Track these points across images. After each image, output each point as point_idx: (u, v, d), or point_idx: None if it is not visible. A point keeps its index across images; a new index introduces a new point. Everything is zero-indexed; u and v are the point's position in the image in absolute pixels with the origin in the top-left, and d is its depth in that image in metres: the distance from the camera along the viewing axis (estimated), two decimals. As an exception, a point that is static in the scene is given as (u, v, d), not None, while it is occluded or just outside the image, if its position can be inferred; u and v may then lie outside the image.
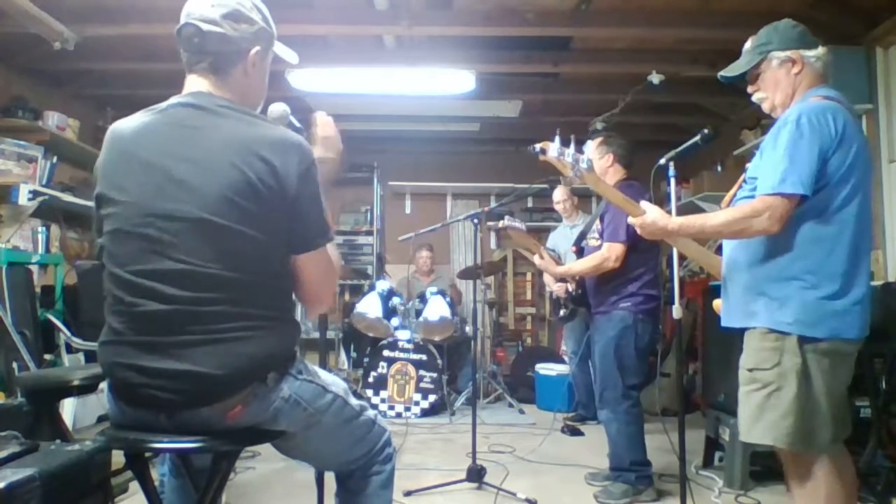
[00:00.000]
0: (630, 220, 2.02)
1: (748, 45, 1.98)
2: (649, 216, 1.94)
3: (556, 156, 1.93)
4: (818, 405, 1.76)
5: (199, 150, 1.33)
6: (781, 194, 1.73)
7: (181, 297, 1.29)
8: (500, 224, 3.12)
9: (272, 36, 1.53)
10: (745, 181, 1.95)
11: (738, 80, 2.01)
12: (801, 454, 1.80)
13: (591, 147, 3.09)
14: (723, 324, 2.00)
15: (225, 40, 1.41)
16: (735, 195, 2.00)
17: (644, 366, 3.05)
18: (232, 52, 1.43)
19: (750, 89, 1.99)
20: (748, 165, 1.96)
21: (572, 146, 1.94)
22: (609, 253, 2.94)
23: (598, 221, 3.15)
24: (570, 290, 3.35)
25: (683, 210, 5.05)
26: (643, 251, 2.93)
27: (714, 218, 1.86)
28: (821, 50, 1.90)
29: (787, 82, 1.90)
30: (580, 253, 3.29)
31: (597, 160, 3.06)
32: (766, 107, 1.97)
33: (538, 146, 1.97)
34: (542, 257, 3.19)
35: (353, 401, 1.56)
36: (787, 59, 1.89)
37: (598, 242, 3.07)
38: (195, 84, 1.44)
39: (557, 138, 1.94)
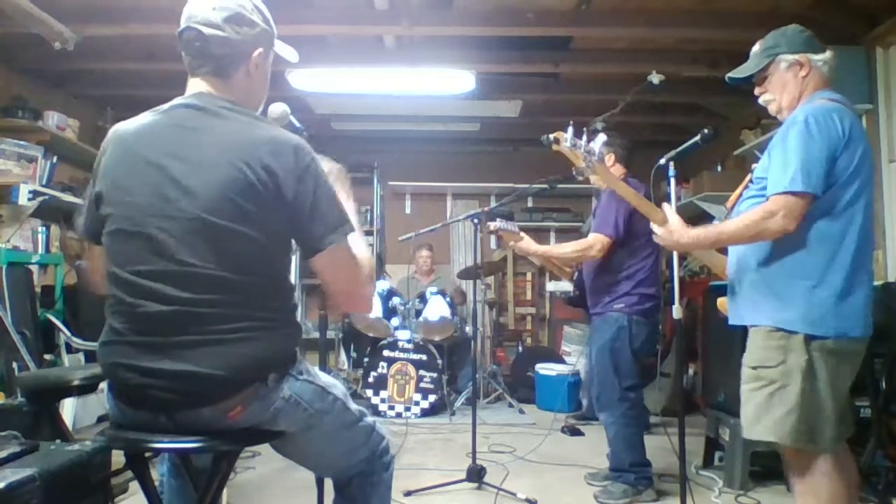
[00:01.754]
0: (653, 227, 2.01)
1: (756, 47, 2.00)
2: (672, 225, 1.94)
3: (569, 146, 1.93)
4: (823, 403, 1.76)
5: (199, 151, 1.33)
6: (793, 192, 1.74)
7: (181, 298, 1.29)
8: (492, 227, 3.08)
9: (273, 36, 1.53)
10: (751, 181, 1.95)
11: (746, 82, 2.03)
12: (804, 452, 1.80)
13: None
14: (730, 322, 2.01)
15: (227, 44, 1.41)
16: (741, 195, 2.01)
17: (641, 366, 3.04)
18: (234, 56, 1.43)
19: (757, 91, 2.01)
20: (754, 166, 1.97)
21: (585, 138, 1.95)
22: (594, 241, 2.93)
23: (592, 217, 3.15)
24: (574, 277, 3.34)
25: (683, 210, 5.06)
26: (637, 248, 2.92)
27: (729, 226, 1.87)
28: (827, 54, 1.93)
29: (794, 85, 1.92)
30: None
31: None
32: (772, 109, 1.99)
33: (551, 136, 1.97)
34: (521, 239, 3.12)
35: (353, 406, 1.55)
36: (795, 63, 1.92)
37: None
38: (197, 86, 1.44)
39: (570, 129, 1.94)
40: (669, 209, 1.99)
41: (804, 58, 1.91)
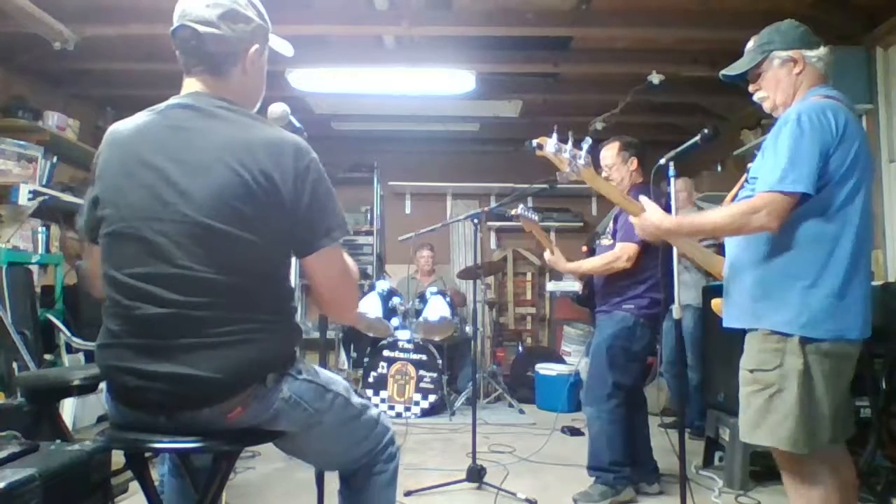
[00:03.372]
0: (630, 218, 2.02)
1: (750, 44, 1.98)
2: (648, 214, 1.94)
3: (553, 151, 1.94)
4: (819, 407, 1.75)
5: (196, 153, 1.32)
6: (781, 192, 1.73)
7: (178, 302, 1.29)
8: (514, 212, 3.13)
9: (268, 31, 1.51)
10: (746, 181, 1.94)
11: (740, 79, 2.01)
12: (797, 455, 1.79)
13: (611, 152, 3.07)
14: (724, 324, 2.00)
15: (222, 41, 1.39)
16: (736, 195, 2.00)
17: (638, 368, 3.04)
18: (230, 53, 1.42)
19: (751, 88, 1.99)
20: (750, 165, 1.96)
21: (570, 142, 1.95)
22: (622, 252, 2.92)
23: (612, 222, 3.14)
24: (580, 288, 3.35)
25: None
26: (653, 253, 2.92)
27: (712, 215, 1.87)
28: (822, 50, 1.90)
29: (788, 82, 1.90)
30: (591, 254, 3.28)
31: (619, 165, 3.04)
32: (766, 106, 1.97)
33: (535, 142, 1.98)
34: (552, 253, 3.17)
35: (356, 399, 1.55)
36: (788, 59, 1.89)
37: (610, 242, 3.05)
38: (193, 85, 1.43)
39: (555, 134, 1.95)
40: (647, 200, 1.99)
41: (798, 54, 1.88)
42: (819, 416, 1.75)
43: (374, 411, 1.59)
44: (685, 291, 4.08)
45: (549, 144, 1.95)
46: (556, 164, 2.01)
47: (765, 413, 1.78)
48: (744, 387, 1.86)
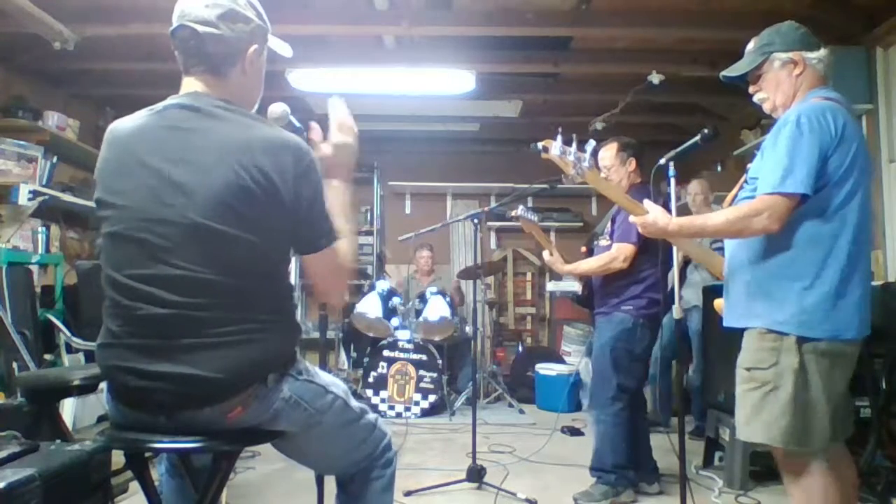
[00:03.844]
0: (631, 218, 2.03)
1: (751, 45, 1.99)
2: (651, 216, 1.95)
3: (558, 154, 1.95)
4: (815, 405, 1.76)
5: (195, 153, 1.32)
6: (782, 194, 1.74)
7: (179, 303, 1.29)
8: (514, 213, 3.15)
9: (267, 31, 1.51)
10: (746, 181, 1.95)
11: (740, 80, 2.02)
12: (795, 453, 1.80)
13: (609, 153, 3.07)
14: (725, 323, 2.00)
15: (222, 42, 1.39)
16: (736, 195, 2.01)
17: (641, 369, 3.05)
18: (229, 54, 1.42)
19: (751, 89, 2.00)
20: (749, 166, 1.97)
21: (574, 145, 1.96)
22: (618, 253, 2.93)
23: (609, 223, 3.15)
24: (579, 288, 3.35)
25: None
26: (652, 253, 2.93)
27: (714, 218, 1.88)
28: (822, 52, 1.91)
29: (788, 83, 1.91)
30: (590, 254, 3.28)
31: (618, 166, 3.05)
32: (766, 107, 1.98)
33: (540, 144, 1.99)
34: (551, 254, 3.19)
35: (354, 403, 1.55)
36: (788, 61, 1.90)
37: (608, 243, 3.05)
38: (192, 85, 1.43)
39: (559, 137, 1.96)
40: (649, 203, 2.00)
41: (798, 56, 1.89)
42: (816, 415, 1.76)
43: (371, 416, 1.59)
44: (694, 291, 4.07)
45: (554, 147, 1.96)
46: (560, 167, 2.02)
47: (760, 410, 1.79)
48: (740, 385, 1.87)
